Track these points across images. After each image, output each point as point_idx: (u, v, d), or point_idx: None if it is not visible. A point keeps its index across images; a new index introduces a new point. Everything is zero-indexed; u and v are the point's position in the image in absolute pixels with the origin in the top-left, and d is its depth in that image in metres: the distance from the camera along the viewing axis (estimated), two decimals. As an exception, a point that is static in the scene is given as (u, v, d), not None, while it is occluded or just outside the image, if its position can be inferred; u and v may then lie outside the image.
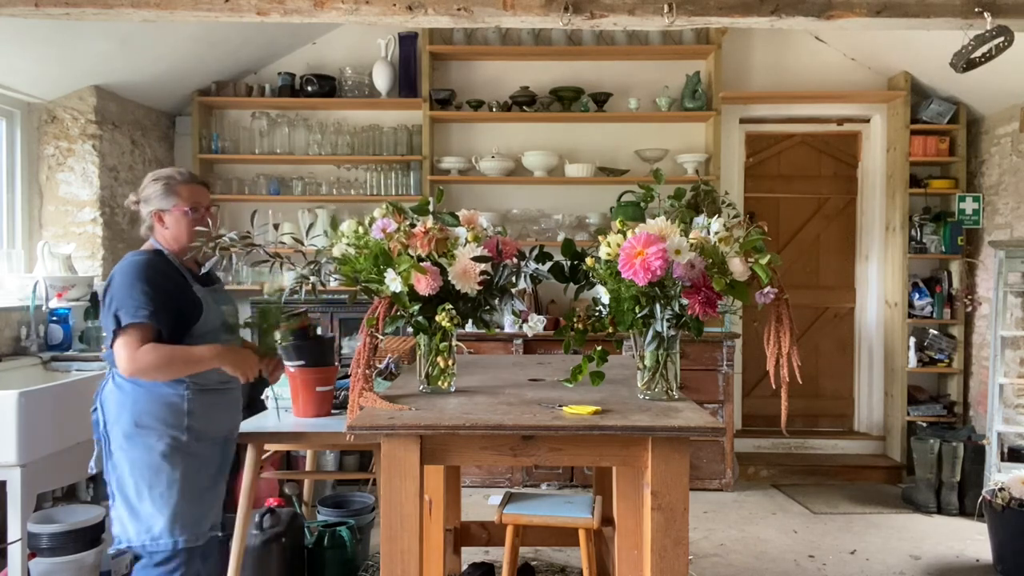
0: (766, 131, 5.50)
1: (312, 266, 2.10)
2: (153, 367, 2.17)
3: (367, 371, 2.00)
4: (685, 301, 1.91)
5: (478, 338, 4.56)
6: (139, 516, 2.24)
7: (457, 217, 2.08)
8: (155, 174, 2.37)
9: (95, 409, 2.32)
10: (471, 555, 3.54)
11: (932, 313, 5.14)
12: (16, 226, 4.25)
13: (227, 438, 2.45)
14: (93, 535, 3.20)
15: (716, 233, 1.94)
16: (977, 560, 3.81)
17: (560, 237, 5.03)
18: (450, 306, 1.98)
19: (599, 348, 2.14)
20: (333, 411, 2.98)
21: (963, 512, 4.46)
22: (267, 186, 5.20)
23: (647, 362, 2.02)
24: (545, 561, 3.69)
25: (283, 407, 3.03)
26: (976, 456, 4.44)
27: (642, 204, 2.16)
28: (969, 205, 5.02)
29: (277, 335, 2.52)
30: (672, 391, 2.03)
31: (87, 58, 4.15)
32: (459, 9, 2.88)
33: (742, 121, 5.38)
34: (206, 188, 2.44)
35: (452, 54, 5.26)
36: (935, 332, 5.18)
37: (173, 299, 2.24)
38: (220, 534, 2.42)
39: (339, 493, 4.03)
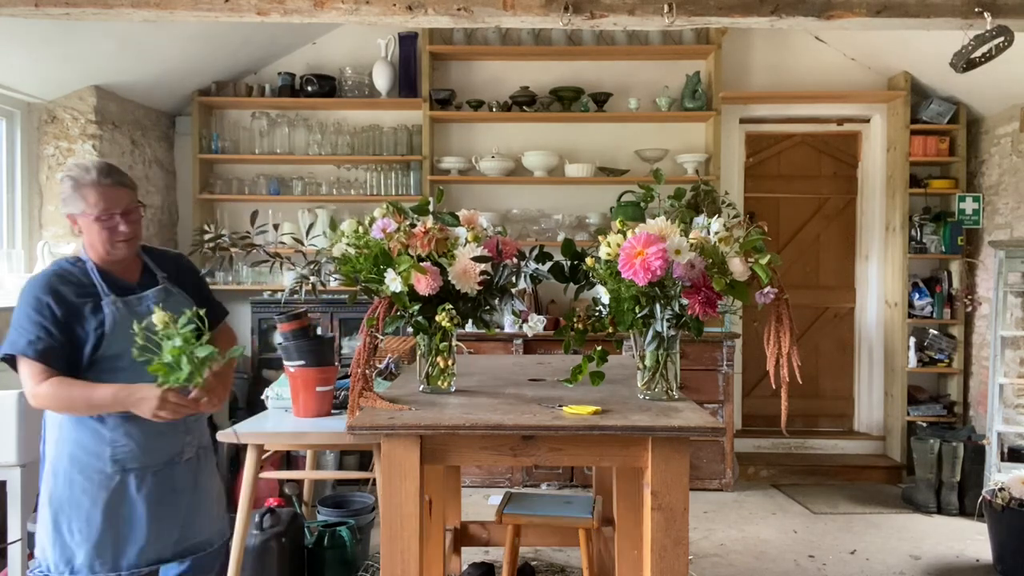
0: (766, 131, 5.50)
1: (312, 266, 2.10)
2: (54, 407, 1.95)
3: (367, 371, 2.00)
4: (685, 301, 1.91)
5: (478, 338, 4.56)
6: (59, 545, 2.00)
7: (457, 217, 2.08)
8: (67, 168, 2.08)
9: (40, 442, 2.12)
10: (471, 555, 3.54)
11: (932, 313, 5.14)
12: (16, 226, 4.25)
13: (170, 462, 2.08)
14: (93, 535, 3.19)
15: (716, 233, 1.94)
16: (977, 560, 3.81)
17: (560, 237, 5.03)
18: (450, 306, 1.98)
19: (599, 348, 2.14)
20: (333, 411, 2.98)
21: (963, 512, 4.46)
22: (267, 186, 5.20)
23: (647, 362, 2.02)
24: (545, 561, 3.69)
25: (283, 407, 3.03)
26: (976, 456, 4.44)
27: (642, 204, 2.16)
28: (969, 205, 5.02)
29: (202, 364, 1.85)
30: (672, 391, 2.03)
31: (87, 58, 4.15)
32: (459, 9, 2.88)
33: (742, 121, 5.38)
34: (125, 188, 2.12)
35: (452, 54, 5.26)
36: (935, 332, 5.18)
37: (69, 323, 1.95)
38: (185, 560, 2.12)
39: (339, 493, 4.04)
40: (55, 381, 1.90)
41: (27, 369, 1.92)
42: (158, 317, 1.81)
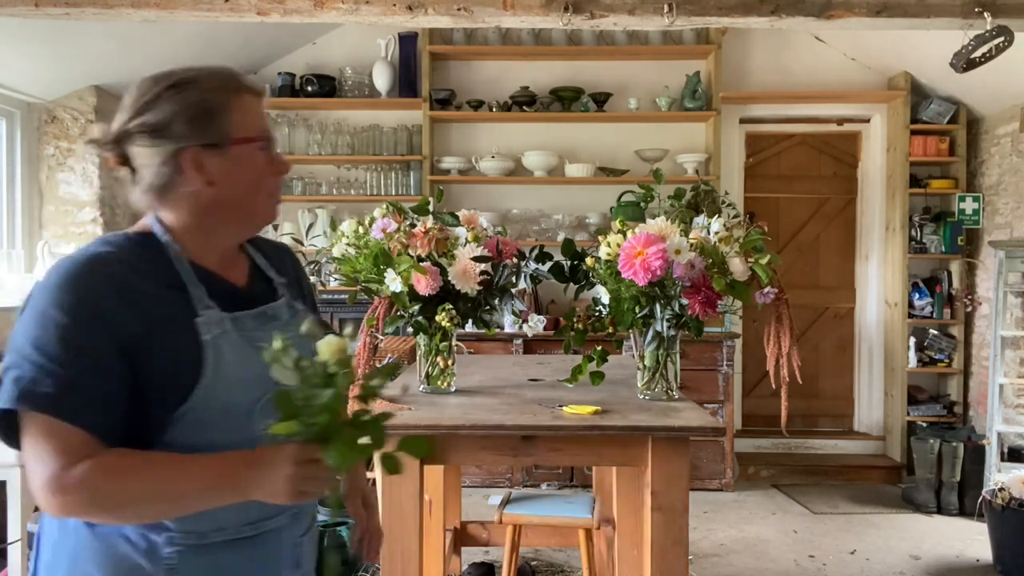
0: (766, 131, 5.50)
1: (312, 266, 2.11)
2: (97, 508, 1.05)
3: (367, 371, 2.00)
4: (685, 301, 1.91)
5: (478, 338, 4.56)
6: None
7: (457, 217, 2.08)
8: (169, 76, 1.15)
9: (34, 540, 1.22)
10: (471, 555, 3.54)
11: (932, 313, 5.14)
12: (16, 226, 4.25)
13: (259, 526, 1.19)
14: (93, 535, 3.19)
15: (716, 233, 1.94)
16: (977, 560, 3.81)
17: (560, 237, 5.03)
18: (450, 306, 1.98)
19: (599, 348, 2.14)
20: (333, 411, 2.97)
21: (963, 512, 4.45)
22: (267, 186, 5.20)
23: (647, 362, 2.03)
24: (545, 561, 3.69)
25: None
26: (976, 456, 4.43)
27: (642, 204, 2.16)
28: (969, 205, 5.02)
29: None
30: (672, 391, 2.03)
31: (87, 58, 4.15)
32: (459, 9, 2.88)
33: (742, 121, 5.38)
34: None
35: (452, 54, 5.26)
36: (935, 332, 5.18)
37: (134, 351, 1.07)
38: None
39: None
40: (103, 460, 1.03)
41: (47, 439, 1.02)
42: (329, 348, 0.98)
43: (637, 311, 1.96)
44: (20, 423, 1.04)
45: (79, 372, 1.03)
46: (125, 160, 1.15)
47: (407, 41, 5.21)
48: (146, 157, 1.13)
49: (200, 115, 1.13)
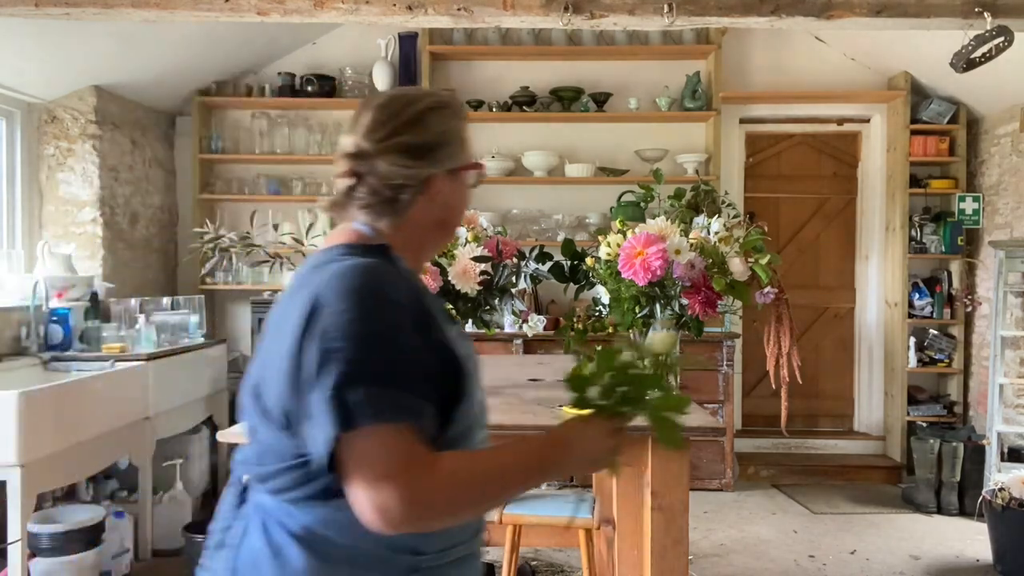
0: (766, 131, 5.50)
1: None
2: (457, 507, 1.06)
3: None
4: (685, 301, 1.91)
5: (478, 338, 4.54)
6: None
7: (457, 217, 2.08)
8: (423, 98, 1.21)
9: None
10: (471, 555, 3.54)
11: (932, 313, 5.14)
12: (16, 226, 4.25)
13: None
14: (93, 535, 3.20)
15: (716, 233, 1.95)
16: (977, 560, 3.81)
17: (560, 237, 5.03)
18: (450, 306, 1.98)
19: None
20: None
21: (963, 512, 4.45)
22: (267, 186, 5.20)
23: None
24: (545, 561, 3.69)
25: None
26: (976, 456, 4.43)
27: (642, 204, 2.16)
28: (969, 205, 5.02)
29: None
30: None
31: (87, 58, 4.15)
32: (459, 9, 2.88)
33: (742, 121, 5.38)
34: None
35: (452, 54, 5.26)
36: (935, 332, 5.18)
37: (433, 358, 1.10)
38: None
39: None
40: (446, 463, 1.05)
41: (394, 451, 1.01)
42: (664, 341, 1.22)
43: (637, 311, 1.96)
44: (346, 446, 1.00)
45: (412, 381, 1.03)
46: (353, 172, 1.17)
47: (407, 41, 5.21)
48: (394, 175, 1.16)
49: (452, 141, 1.19)
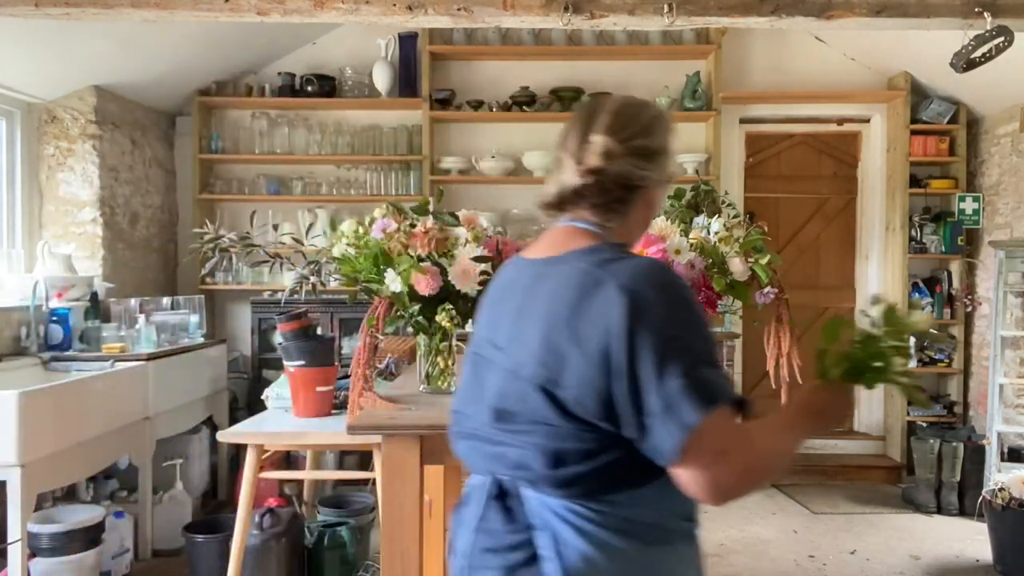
0: (766, 131, 5.50)
1: (312, 266, 2.11)
2: (767, 474, 1.16)
3: (367, 371, 2.00)
4: (685, 301, 1.91)
5: (478, 338, 4.56)
6: None
7: (457, 217, 2.08)
8: (649, 105, 1.29)
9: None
10: (471, 555, 3.53)
11: (932, 313, 5.14)
12: (16, 226, 4.25)
13: None
14: (93, 535, 3.20)
15: (716, 233, 1.94)
16: (977, 560, 3.81)
17: (560, 237, 5.03)
18: (450, 306, 1.98)
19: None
20: (333, 411, 2.98)
21: (963, 512, 4.45)
22: (267, 186, 5.20)
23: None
24: (545, 561, 3.69)
25: (283, 407, 3.03)
26: (976, 456, 4.43)
27: (642, 204, 2.16)
28: (969, 205, 5.02)
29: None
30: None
31: (87, 58, 4.15)
32: (459, 9, 2.88)
33: (742, 121, 5.38)
34: None
35: (452, 54, 5.26)
36: (935, 331, 5.18)
37: None
38: None
39: (339, 493, 4.04)
40: (755, 434, 1.14)
41: (730, 429, 1.09)
42: (923, 319, 1.31)
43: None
44: (695, 431, 1.04)
45: (717, 358, 1.11)
46: (594, 170, 1.21)
47: (407, 41, 5.21)
48: (631, 176, 1.21)
49: (670, 151, 1.27)
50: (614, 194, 1.21)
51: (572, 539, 1.10)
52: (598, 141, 1.20)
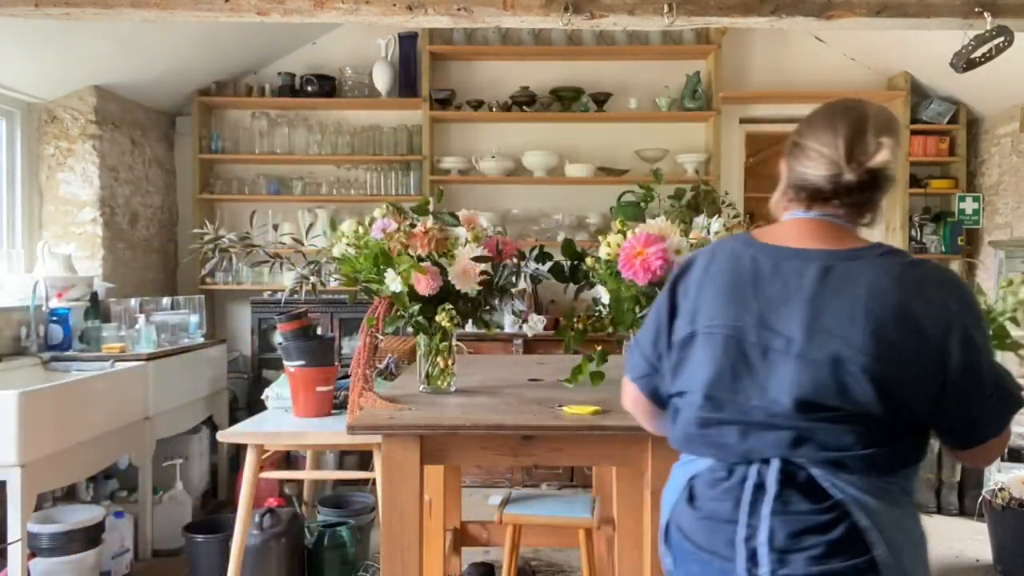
0: (766, 131, 5.49)
1: (312, 266, 2.11)
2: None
3: (367, 371, 2.00)
4: (685, 301, 1.91)
5: (478, 338, 4.56)
6: None
7: (457, 217, 2.08)
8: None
9: (869, 554, 1.19)
10: (471, 555, 3.54)
11: (932, 313, 5.14)
12: (16, 226, 4.25)
13: None
14: (93, 535, 3.20)
15: (716, 233, 1.95)
16: (977, 560, 3.81)
17: (560, 237, 5.03)
18: (450, 306, 1.98)
19: (599, 348, 2.14)
20: (333, 411, 2.98)
21: (963, 512, 4.45)
22: (267, 186, 5.20)
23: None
24: (545, 561, 3.69)
25: (283, 407, 3.03)
26: (976, 456, 4.43)
27: (642, 204, 2.16)
28: (969, 205, 5.02)
29: None
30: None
31: (87, 58, 4.15)
32: (459, 9, 2.88)
33: (742, 121, 5.38)
34: None
35: (452, 54, 5.26)
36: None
37: None
38: None
39: (339, 493, 4.04)
40: None
41: None
42: None
43: (637, 311, 1.96)
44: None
45: None
46: (879, 176, 1.30)
47: (407, 41, 5.21)
48: (891, 178, 1.31)
49: None
50: (880, 192, 1.31)
51: (882, 510, 1.21)
52: (886, 143, 1.27)
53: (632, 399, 1.49)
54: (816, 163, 1.29)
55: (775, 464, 1.23)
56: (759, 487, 1.23)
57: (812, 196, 1.31)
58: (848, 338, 1.20)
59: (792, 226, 1.34)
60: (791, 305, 1.25)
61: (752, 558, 1.21)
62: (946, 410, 1.23)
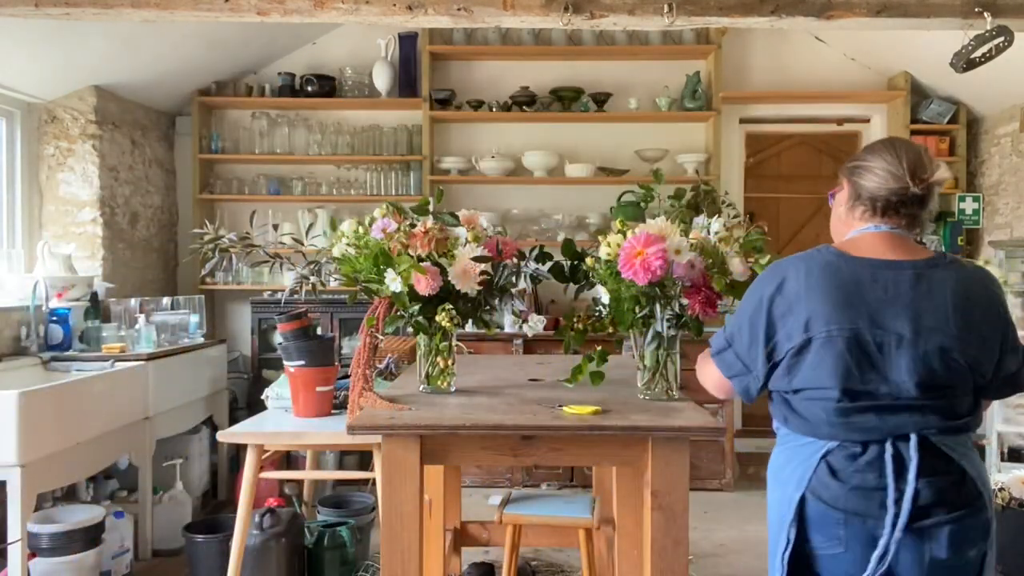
0: (766, 131, 5.50)
1: (312, 266, 2.11)
2: None
3: (367, 371, 2.00)
4: (685, 301, 1.91)
5: (478, 338, 4.56)
6: None
7: (457, 217, 2.08)
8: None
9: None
10: (471, 555, 3.54)
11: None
12: (16, 226, 4.25)
13: None
14: (93, 535, 3.20)
15: (716, 233, 1.94)
16: (977, 560, 3.81)
17: (560, 237, 5.03)
18: (450, 306, 1.98)
19: (599, 348, 2.14)
20: (333, 411, 2.98)
21: (963, 512, 4.44)
22: (267, 186, 5.20)
23: (647, 362, 2.02)
24: (545, 561, 3.69)
25: (283, 407, 3.03)
26: (976, 456, 4.43)
27: (642, 204, 2.16)
28: (969, 205, 5.02)
29: None
30: (672, 391, 2.03)
31: (87, 58, 4.15)
32: (459, 9, 2.88)
33: (742, 121, 5.38)
34: None
35: (452, 54, 5.26)
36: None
37: None
38: None
39: (339, 493, 4.04)
40: None
41: None
42: None
43: (637, 311, 1.96)
44: None
45: None
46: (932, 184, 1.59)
47: (407, 41, 5.21)
48: (936, 194, 1.62)
49: None
50: (930, 208, 1.61)
51: (974, 458, 1.58)
52: (941, 164, 1.60)
53: (716, 384, 1.72)
54: (885, 179, 1.56)
55: (913, 439, 1.50)
56: (896, 458, 1.49)
57: (883, 209, 1.58)
58: (947, 332, 1.50)
59: (871, 240, 1.59)
60: (895, 307, 1.51)
61: (899, 515, 1.49)
62: (1001, 373, 1.57)
